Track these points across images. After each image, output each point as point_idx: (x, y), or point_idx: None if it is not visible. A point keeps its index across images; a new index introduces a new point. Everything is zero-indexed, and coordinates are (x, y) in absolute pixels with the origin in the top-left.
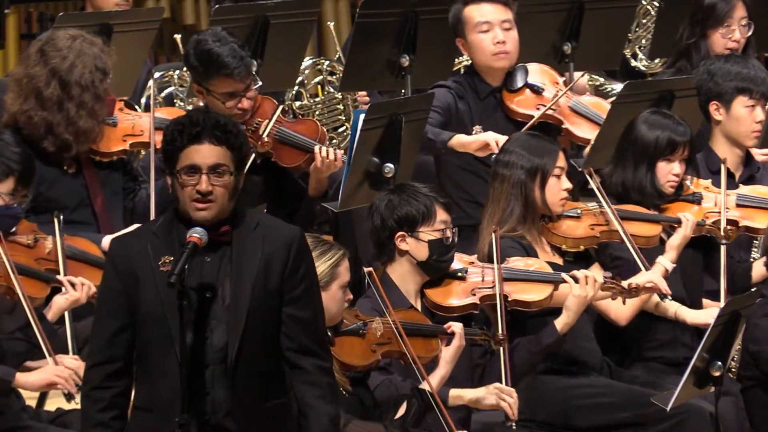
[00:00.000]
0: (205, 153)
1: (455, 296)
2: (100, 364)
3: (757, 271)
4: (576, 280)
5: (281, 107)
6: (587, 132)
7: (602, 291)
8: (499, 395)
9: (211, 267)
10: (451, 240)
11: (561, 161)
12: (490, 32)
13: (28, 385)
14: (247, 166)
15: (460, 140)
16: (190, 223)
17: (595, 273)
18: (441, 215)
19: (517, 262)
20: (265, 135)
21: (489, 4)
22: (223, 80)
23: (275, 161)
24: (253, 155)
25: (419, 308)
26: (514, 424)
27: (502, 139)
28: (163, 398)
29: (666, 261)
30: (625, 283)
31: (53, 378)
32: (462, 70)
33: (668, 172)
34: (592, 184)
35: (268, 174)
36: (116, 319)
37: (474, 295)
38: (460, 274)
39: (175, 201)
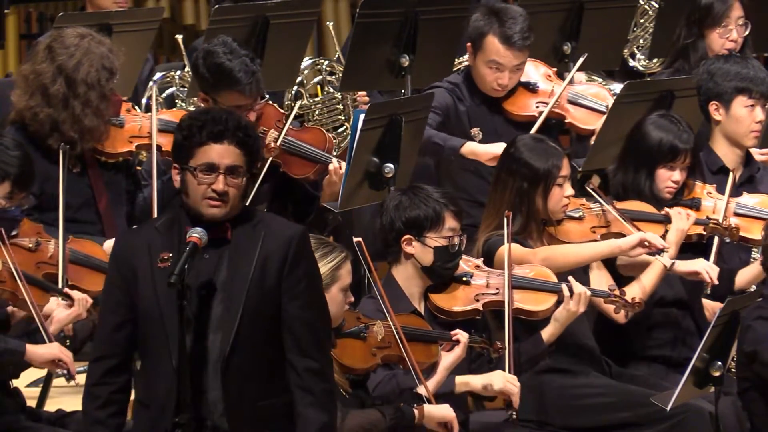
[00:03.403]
0: (224, 153)
1: (459, 301)
2: (99, 359)
3: (741, 277)
4: (571, 293)
5: (291, 119)
6: (590, 122)
7: (605, 304)
8: (506, 380)
9: (209, 264)
10: (457, 248)
11: (565, 169)
12: (499, 72)
13: (35, 357)
14: (263, 173)
15: (472, 149)
16: (194, 220)
17: (596, 277)
18: (450, 222)
19: (519, 269)
20: (272, 143)
21: (510, 50)
22: (232, 94)
23: (284, 171)
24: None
25: (422, 311)
26: (514, 413)
27: None
28: (160, 396)
29: (664, 258)
30: (628, 297)
31: (59, 354)
32: (461, 70)
33: (668, 178)
34: (595, 195)
35: (276, 179)
36: (116, 315)
37: (477, 300)
38: (464, 278)
39: (180, 196)
